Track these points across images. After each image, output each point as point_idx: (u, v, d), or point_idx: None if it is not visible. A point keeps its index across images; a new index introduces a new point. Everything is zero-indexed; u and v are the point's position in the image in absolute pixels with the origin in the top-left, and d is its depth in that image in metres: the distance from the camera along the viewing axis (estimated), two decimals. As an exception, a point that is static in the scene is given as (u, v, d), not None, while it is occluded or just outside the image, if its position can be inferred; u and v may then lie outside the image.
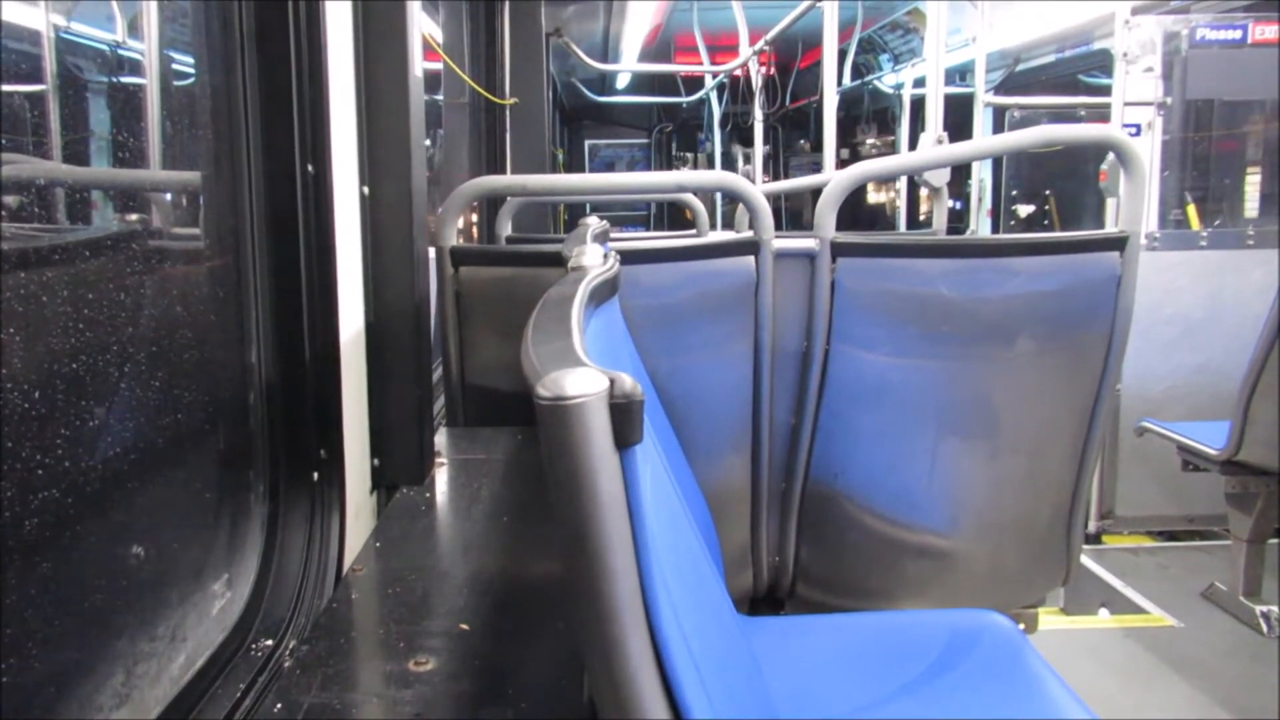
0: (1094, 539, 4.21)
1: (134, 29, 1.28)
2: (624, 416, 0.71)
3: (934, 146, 4.22)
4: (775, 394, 2.38)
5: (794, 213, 11.73)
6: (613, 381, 0.71)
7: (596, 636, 0.74)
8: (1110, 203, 4.20)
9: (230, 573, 1.37)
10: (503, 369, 2.29)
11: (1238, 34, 4.17)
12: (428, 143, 2.17)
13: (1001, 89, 7.64)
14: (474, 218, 4.54)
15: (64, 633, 1.01)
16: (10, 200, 0.98)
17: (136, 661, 1.11)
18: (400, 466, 1.83)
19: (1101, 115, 4.63)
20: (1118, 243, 2.29)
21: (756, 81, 8.11)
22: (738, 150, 12.47)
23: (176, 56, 1.36)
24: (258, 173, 1.44)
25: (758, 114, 8.30)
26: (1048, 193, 7.92)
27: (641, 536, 0.75)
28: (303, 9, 1.48)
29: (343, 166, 1.61)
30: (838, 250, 2.28)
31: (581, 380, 0.69)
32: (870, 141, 11.08)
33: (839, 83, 6.53)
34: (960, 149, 3.06)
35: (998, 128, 7.39)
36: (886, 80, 9.82)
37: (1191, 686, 2.90)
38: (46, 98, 1.07)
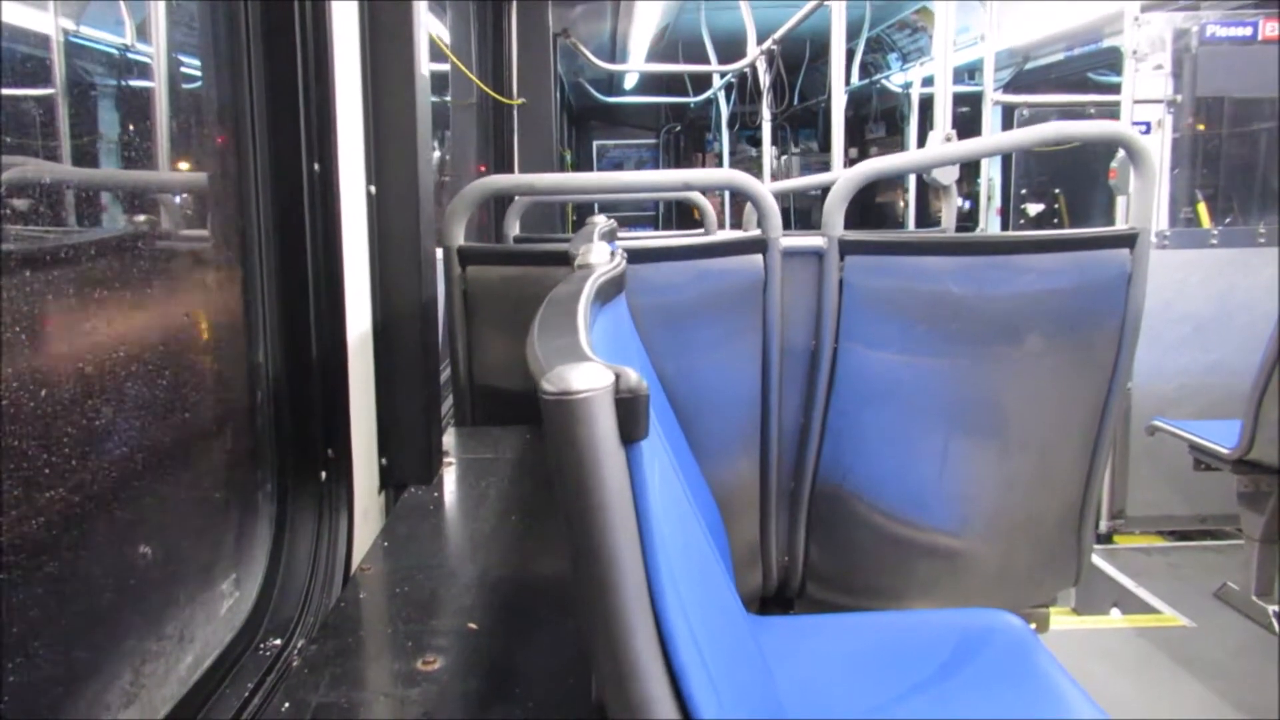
0: (1105, 538, 4.19)
1: (142, 32, 1.28)
2: (629, 411, 0.70)
3: (943, 144, 4.20)
4: (784, 393, 2.37)
5: (802, 212, 11.71)
6: (618, 376, 0.70)
7: (603, 633, 0.73)
8: (1120, 201, 4.18)
9: (238, 572, 1.37)
10: (510, 368, 2.29)
11: (1248, 30, 4.15)
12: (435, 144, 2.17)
13: (1010, 88, 7.61)
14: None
15: (72, 632, 1.00)
16: (18, 202, 0.98)
17: (144, 661, 1.11)
18: (408, 466, 1.83)
19: (1111, 113, 4.61)
20: (1128, 240, 2.27)
21: (764, 81, 8.09)
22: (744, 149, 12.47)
23: (183, 59, 1.36)
24: (264, 172, 1.44)
25: (766, 113, 8.29)
26: (1057, 191, 7.89)
27: (648, 533, 0.74)
28: (309, 9, 1.48)
29: (349, 166, 1.61)
30: (846, 248, 2.27)
31: (587, 375, 0.69)
32: (878, 135, 11.06)
33: (847, 82, 6.52)
34: (969, 146, 3.05)
35: (1006, 127, 7.35)
36: (895, 79, 9.79)
37: (1204, 686, 2.88)
38: (54, 99, 1.07)
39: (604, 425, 0.69)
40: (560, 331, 0.90)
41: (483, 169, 4.65)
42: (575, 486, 0.69)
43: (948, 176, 3.87)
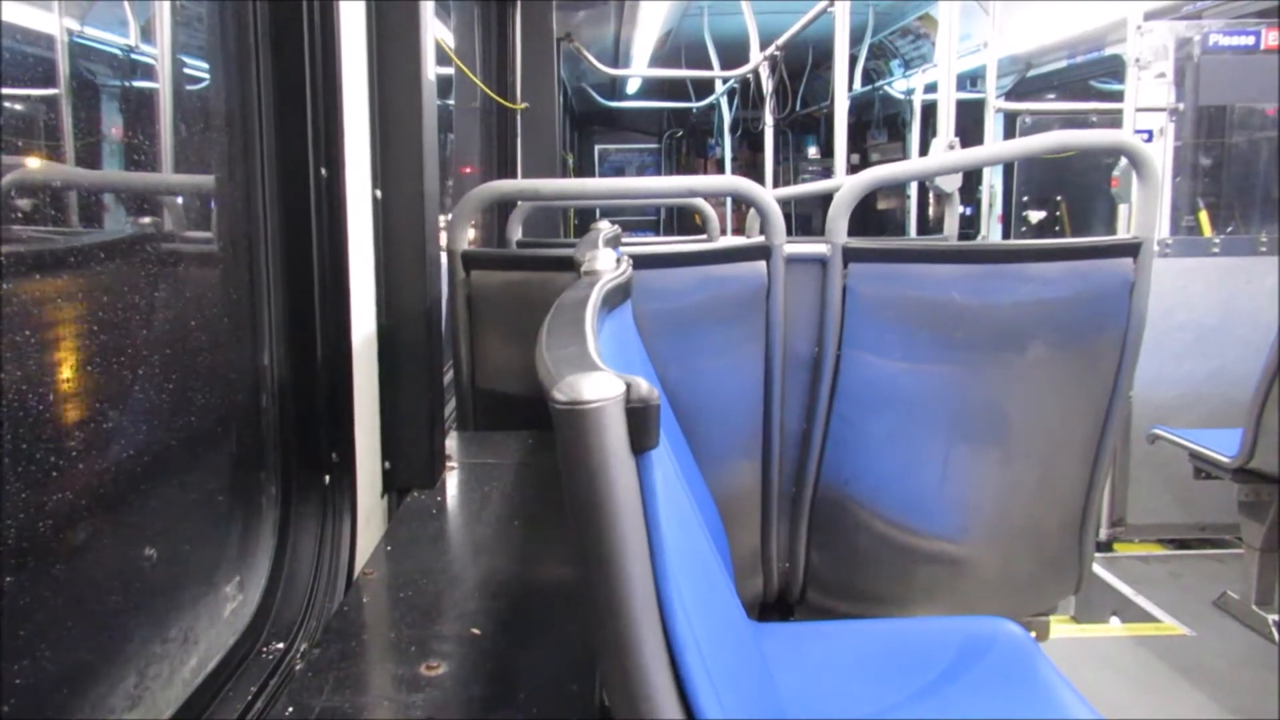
0: (1105, 547, 4.19)
1: (147, 33, 1.28)
2: (640, 421, 0.70)
3: (946, 152, 4.21)
4: (786, 399, 2.37)
5: (804, 218, 11.72)
6: (629, 386, 0.70)
7: (612, 639, 0.74)
8: (1122, 209, 4.18)
9: (242, 575, 1.37)
10: (513, 373, 2.29)
11: (1250, 40, 4.15)
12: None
13: (1013, 95, 7.62)
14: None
15: (77, 634, 1.01)
16: (24, 204, 0.98)
17: (148, 664, 1.11)
18: (411, 470, 1.83)
19: (1113, 121, 4.62)
20: (1131, 249, 2.28)
21: (767, 86, 8.10)
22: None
23: (190, 60, 1.37)
24: (271, 176, 1.45)
25: (768, 119, 8.30)
26: (1059, 199, 7.89)
27: (656, 541, 0.75)
28: (316, 13, 1.48)
29: (356, 170, 1.61)
30: (849, 255, 2.27)
31: (598, 384, 0.69)
32: (880, 142, 11.07)
33: (849, 88, 6.53)
34: (973, 154, 3.05)
35: (1009, 134, 7.36)
36: (897, 86, 9.81)
37: (1203, 695, 2.88)
38: (60, 101, 1.07)
39: (615, 435, 0.69)
40: (569, 339, 0.90)
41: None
42: (585, 495, 0.70)
43: (950, 184, 3.88)
